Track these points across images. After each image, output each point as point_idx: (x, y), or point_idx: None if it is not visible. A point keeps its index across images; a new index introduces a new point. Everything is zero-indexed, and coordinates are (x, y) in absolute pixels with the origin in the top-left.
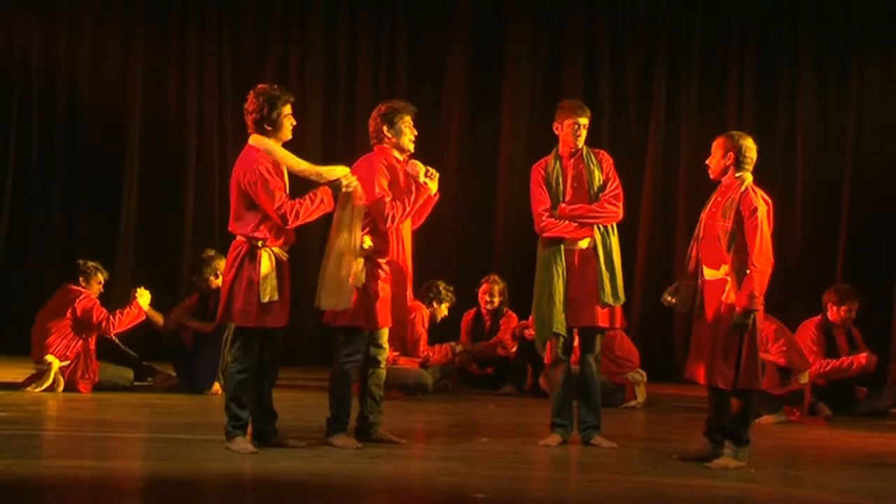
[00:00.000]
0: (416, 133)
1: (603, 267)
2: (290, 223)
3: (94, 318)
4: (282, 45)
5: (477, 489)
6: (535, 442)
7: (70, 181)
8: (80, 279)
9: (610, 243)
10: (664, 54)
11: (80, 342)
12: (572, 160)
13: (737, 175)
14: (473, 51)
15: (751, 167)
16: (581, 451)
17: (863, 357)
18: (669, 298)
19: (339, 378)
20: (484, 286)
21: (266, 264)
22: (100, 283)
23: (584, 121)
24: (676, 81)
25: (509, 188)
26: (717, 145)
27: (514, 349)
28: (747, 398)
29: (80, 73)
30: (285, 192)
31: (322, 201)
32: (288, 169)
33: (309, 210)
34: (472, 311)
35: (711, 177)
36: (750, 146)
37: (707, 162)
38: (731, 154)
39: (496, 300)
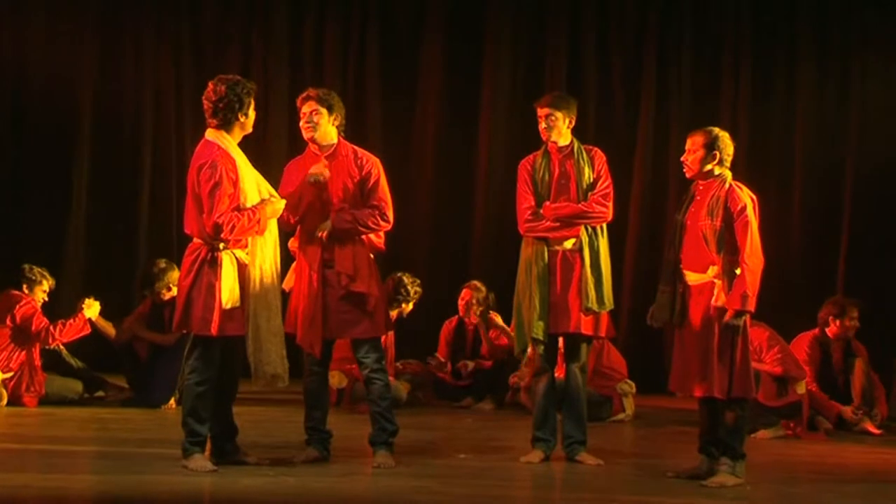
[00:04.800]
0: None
1: (588, 270)
2: (223, 235)
3: (34, 328)
4: (244, 34)
5: None
6: (516, 458)
7: (15, 180)
8: (24, 286)
9: (598, 245)
10: (653, 42)
11: (24, 352)
12: (561, 156)
13: (717, 172)
14: (449, 37)
15: (730, 163)
16: (565, 468)
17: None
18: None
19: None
20: (464, 292)
21: (228, 268)
22: (45, 291)
23: (542, 111)
24: (667, 72)
25: (489, 186)
26: (696, 142)
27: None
28: (741, 408)
29: (26, 62)
30: (230, 198)
31: (258, 222)
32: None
33: (244, 228)
34: (454, 319)
35: (688, 175)
36: (729, 142)
37: (683, 159)
38: (716, 152)
39: (473, 311)
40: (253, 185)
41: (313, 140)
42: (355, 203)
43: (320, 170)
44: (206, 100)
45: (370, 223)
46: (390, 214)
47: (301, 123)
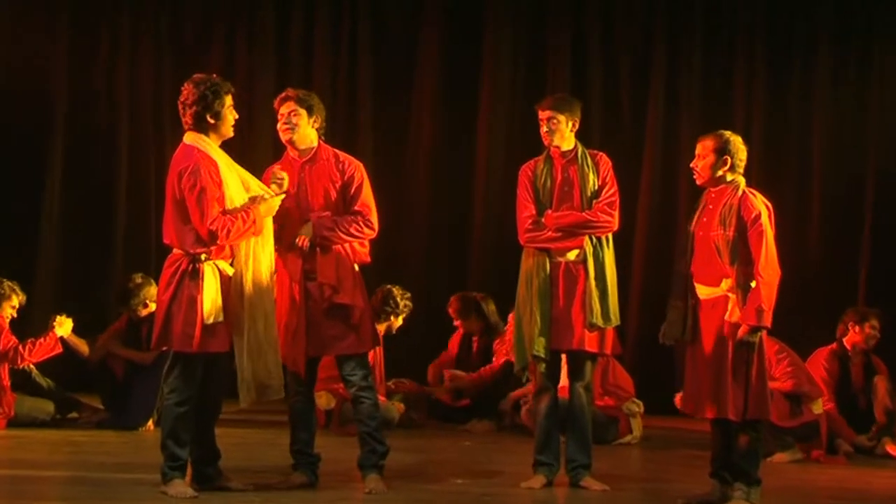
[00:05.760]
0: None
1: (593, 283)
2: (219, 240)
3: (1, 347)
4: (227, 29)
5: None
6: (516, 484)
7: None
8: None
9: (603, 256)
10: (662, 42)
11: None
12: (564, 161)
13: (730, 179)
14: (446, 36)
15: (743, 169)
16: (569, 494)
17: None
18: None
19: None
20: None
21: (209, 281)
22: (14, 307)
23: (543, 113)
24: (677, 73)
25: (488, 194)
26: (706, 147)
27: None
28: (756, 430)
29: None
30: (219, 202)
31: (253, 222)
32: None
33: (240, 231)
34: (460, 331)
35: (699, 182)
36: (742, 146)
37: (693, 165)
38: (728, 157)
39: (464, 324)
40: (238, 186)
41: (291, 142)
42: (337, 210)
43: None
44: (181, 102)
45: (353, 230)
46: (375, 221)
47: (279, 125)
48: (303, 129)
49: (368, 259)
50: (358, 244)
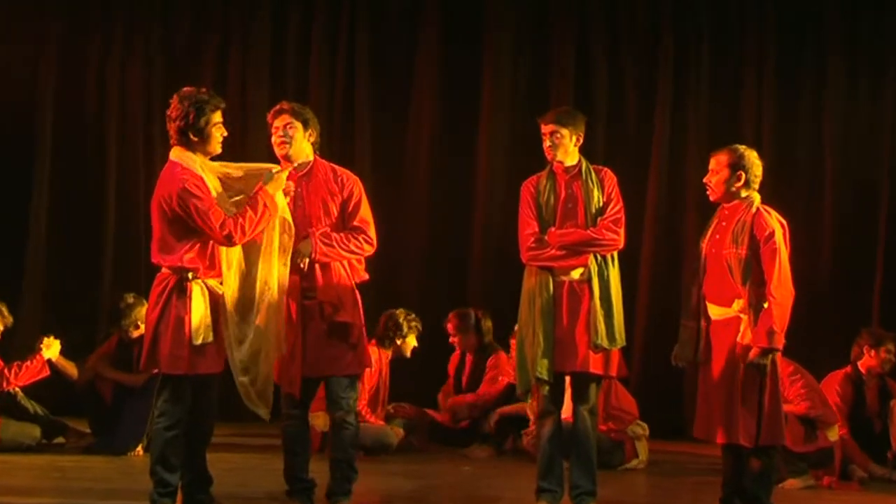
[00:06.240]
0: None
1: (598, 303)
2: (237, 241)
3: None
4: (220, 38)
5: None
6: None
7: None
8: None
9: (608, 275)
10: (669, 52)
11: None
12: (568, 177)
13: (744, 195)
14: (445, 46)
15: (758, 185)
16: None
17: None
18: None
19: None
20: (447, 327)
21: (198, 300)
22: None
23: (546, 127)
24: (683, 85)
25: (488, 210)
26: (720, 162)
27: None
28: (769, 456)
29: None
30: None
31: (265, 206)
32: (224, 179)
33: (254, 221)
34: (457, 352)
35: (712, 198)
36: (757, 161)
37: (706, 180)
38: (742, 172)
39: (463, 339)
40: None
41: (286, 156)
42: (336, 226)
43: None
44: (167, 115)
45: (353, 247)
46: (374, 237)
47: (273, 139)
48: (298, 142)
49: (366, 276)
50: (355, 260)
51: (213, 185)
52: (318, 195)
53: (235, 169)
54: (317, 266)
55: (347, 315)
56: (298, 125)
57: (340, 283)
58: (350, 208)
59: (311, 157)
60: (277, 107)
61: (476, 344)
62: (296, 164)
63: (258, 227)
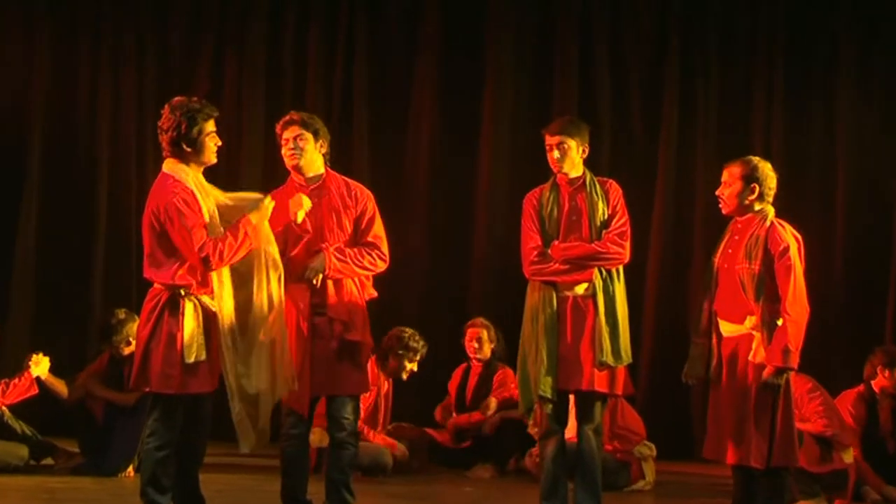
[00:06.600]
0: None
1: (603, 319)
2: (213, 266)
3: None
4: (215, 45)
5: None
6: None
7: None
8: None
9: (613, 290)
10: (676, 57)
11: None
12: (572, 189)
13: (758, 208)
14: (446, 54)
15: (772, 198)
16: None
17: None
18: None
19: None
20: (469, 331)
21: (190, 317)
22: None
23: (552, 138)
24: (691, 90)
25: (490, 223)
26: (733, 174)
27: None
28: (781, 478)
29: None
30: (206, 228)
31: (246, 234)
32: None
33: (234, 247)
34: (464, 364)
35: (725, 211)
36: (771, 174)
37: (718, 193)
38: (755, 185)
39: (486, 348)
40: (213, 214)
41: (298, 168)
42: (349, 241)
43: (300, 203)
44: (159, 127)
45: (367, 263)
46: (387, 253)
47: (284, 150)
48: (310, 154)
49: (375, 294)
50: (364, 277)
51: (208, 206)
52: (332, 210)
53: (227, 199)
54: (329, 282)
55: (358, 334)
56: (309, 136)
57: (352, 301)
58: (364, 224)
59: (323, 170)
60: (287, 117)
61: (489, 357)
62: (307, 178)
63: (237, 255)
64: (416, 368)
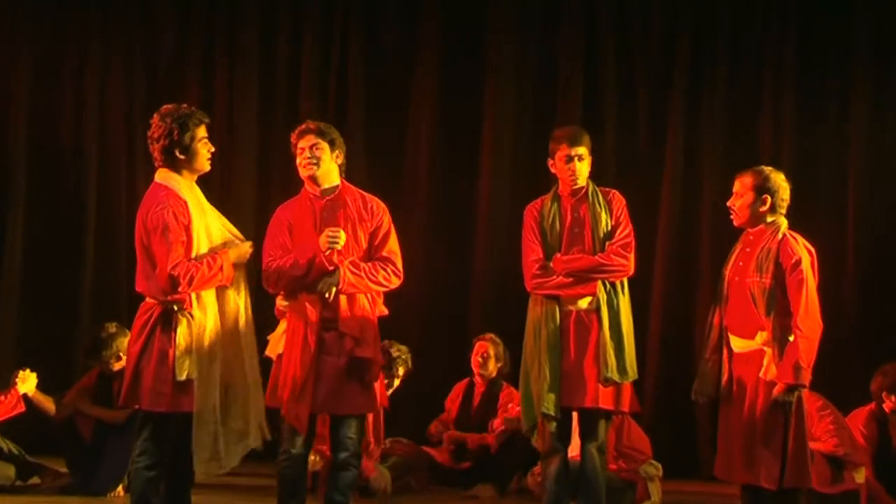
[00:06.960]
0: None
1: (607, 333)
2: (180, 289)
3: None
4: (206, 51)
5: None
6: None
7: None
8: None
9: (617, 304)
10: (683, 66)
11: None
12: (574, 200)
13: (770, 220)
14: (445, 60)
15: (785, 209)
16: None
17: None
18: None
19: None
20: (477, 345)
21: (183, 333)
22: None
23: (579, 150)
24: (699, 102)
25: (491, 234)
26: (745, 184)
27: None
28: (793, 499)
29: None
30: (185, 247)
31: (221, 269)
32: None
33: (205, 277)
34: (466, 380)
35: (736, 223)
36: (784, 184)
37: (729, 204)
38: (767, 196)
39: (491, 365)
40: (203, 231)
41: (313, 178)
42: (364, 255)
43: (337, 240)
44: (149, 137)
45: (381, 279)
46: (401, 269)
47: (299, 160)
48: (326, 164)
49: (386, 311)
50: (377, 293)
51: (205, 221)
52: (348, 223)
53: (228, 230)
54: (341, 297)
55: (369, 350)
56: (325, 146)
57: (364, 316)
58: (378, 238)
59: (338, 181)
60: (303, 126)
61: (494, 375)
62: (322, 189)
63: (206, 285)
64: (397, 384)
